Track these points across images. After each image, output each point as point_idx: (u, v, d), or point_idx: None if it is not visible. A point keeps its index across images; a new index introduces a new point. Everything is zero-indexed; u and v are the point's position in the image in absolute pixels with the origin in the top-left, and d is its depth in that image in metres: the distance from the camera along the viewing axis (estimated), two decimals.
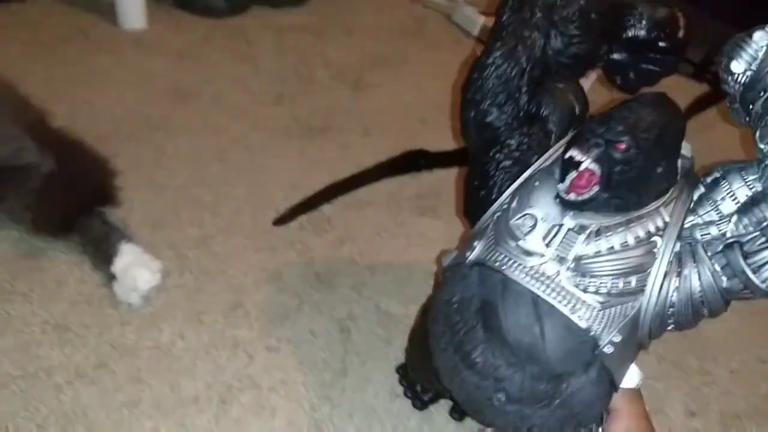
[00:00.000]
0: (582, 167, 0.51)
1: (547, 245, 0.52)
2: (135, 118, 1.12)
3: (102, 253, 0.85)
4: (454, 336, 0.55)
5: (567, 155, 0.53)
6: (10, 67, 1.09)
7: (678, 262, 0.52)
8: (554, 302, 0.51)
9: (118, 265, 0.83)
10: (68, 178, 0.89)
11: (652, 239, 0.52)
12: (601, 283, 0.51)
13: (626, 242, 0.52)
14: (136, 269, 0.82)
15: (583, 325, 0.51)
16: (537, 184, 0.55)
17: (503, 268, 0.53)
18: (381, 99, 1.26)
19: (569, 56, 0.59)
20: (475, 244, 0.56)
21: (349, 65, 1.35)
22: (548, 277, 0.52)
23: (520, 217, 0.54)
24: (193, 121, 1.15)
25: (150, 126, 1.12)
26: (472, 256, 0.56)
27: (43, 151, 0.90)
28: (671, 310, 0.52)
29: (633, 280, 0.51)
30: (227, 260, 0.90)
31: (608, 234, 0.52)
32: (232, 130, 1.14)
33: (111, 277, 0.83)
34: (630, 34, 0.62)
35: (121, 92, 1.18)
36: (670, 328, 0.54)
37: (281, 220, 0.97)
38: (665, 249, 0.52)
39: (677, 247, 0.52)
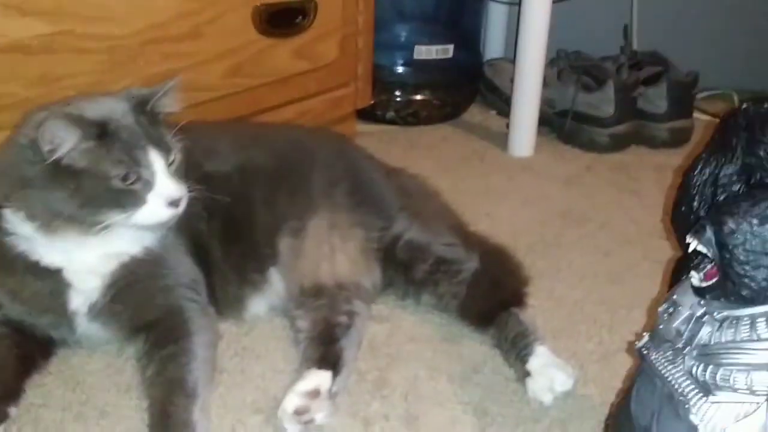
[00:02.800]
0: (690, 248, 0.54)
1: (680, 332, 0.54)
2: (531, 234, 1.20)
3: (517, 351, 0.89)
4: None
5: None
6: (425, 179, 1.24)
7: None
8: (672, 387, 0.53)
9: (534, 364, 0.87)
10: (493, 276, 0.97)
11: None
12: (722, 374, 0.51)
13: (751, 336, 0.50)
14: (553, 370, 0.85)
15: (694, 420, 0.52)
16: None
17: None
18: None
19: None
20: None
21: None
22: (673, 362, 0.54)
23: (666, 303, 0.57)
24: (584, 242, 1.19)
25: (545, 242, 1.18)
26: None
27: (468, 249, 1.00)
28: None
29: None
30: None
31: (733, 324, 0.51)
32: (623, 256, 1.16)
33: (525, 374, 0.87)
34: None
35: (516, 210, 1.28)
36: None
37: None
38: None
39: None
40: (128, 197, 0.80)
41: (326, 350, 0.87)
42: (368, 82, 1.46)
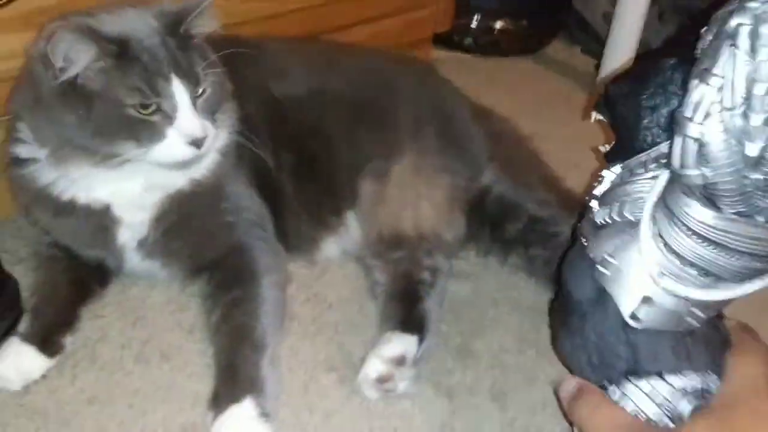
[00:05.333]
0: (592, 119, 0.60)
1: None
2: None
3: None
4: None
5: None
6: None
7: None
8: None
9: None
10: None
11: None
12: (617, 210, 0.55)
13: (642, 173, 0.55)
14: None
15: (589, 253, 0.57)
16: None
17: None
18: None
19: None
20: None
21: None
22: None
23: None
24: None
25: None
26: None
27: (565, 209, 0.90)
28: None
29: None
30: None
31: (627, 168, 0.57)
32: None
33: None
34: None
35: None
36: None
37: None
38: None
39: None
40: (145, 129, 0.70)
41: (410, 311, 0.79)
42: (451, 3, 1.33)
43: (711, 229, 0.48)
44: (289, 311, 0.81)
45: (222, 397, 0.68)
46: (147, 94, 0.69)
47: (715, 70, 0.44)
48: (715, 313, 0.55)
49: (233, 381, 0.70)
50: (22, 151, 0.75)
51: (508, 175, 0.92)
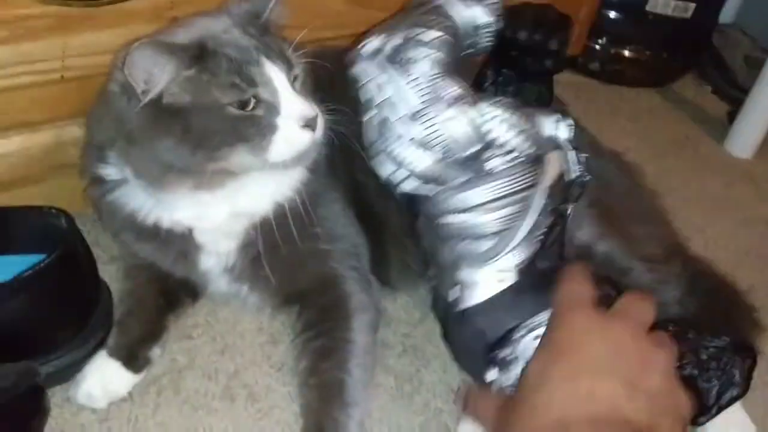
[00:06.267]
0: None
1: None
2: (752, 270, 0.99)
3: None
4: None
5: None
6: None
7: None
8: None
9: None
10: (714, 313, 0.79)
11: None
12: None
13: None
14: (729, 425, 0.71)
15: None
16: None
17: None
18: None
19: None
20: None
21: None
22: None
23: None
24: None
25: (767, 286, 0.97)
26: None
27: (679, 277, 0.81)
28: None
29: None
30: None
31: None
32: None
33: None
34: None
35: (734, 231, 1.06)
36: None
37: None
38: None
39: None
40: (252, 126, 0.63)
41: None
42: (586, 27, 1.23)
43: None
44: (382, 362, 0.75)
45: None
46: (242, 86, 0.62)
47: None
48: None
49: None
50: (111, 173, 0.70)
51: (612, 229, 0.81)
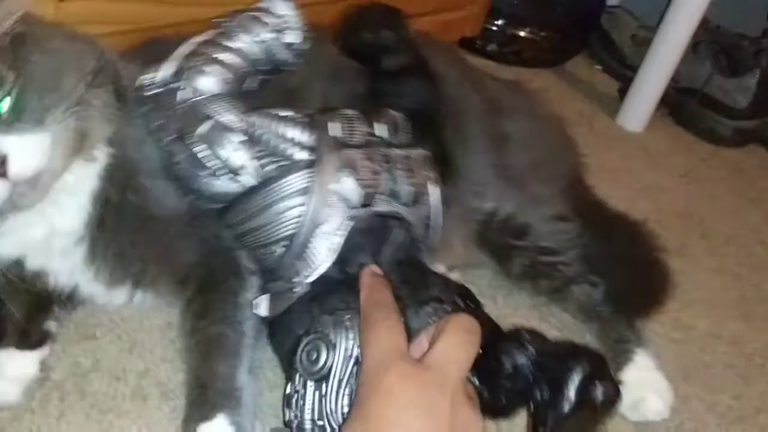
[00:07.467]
0: None
1: None
2: None
3: (615, 354, 0.77)
4: None
5: None
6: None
7: None
8: None
9: (630, 376, 0.75)
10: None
11: None
12: None
13: None
14: (648, 392, 0.73)
15: None
16: None
17: None
18: None
19: None
20: None
21: None
22: None
23: None
24: (709, 258, 1.04)
25: (666, 250, 1.01)
26: None
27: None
28: None
29: None
30: None
31: None
32: (750, 280, 1.01)
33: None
34: None
35: (633, 200, 1.10)
36: None
37: None
38: None
39: None
40: None
41: None
42: (485, 8, 1.24)
43: None
44: None
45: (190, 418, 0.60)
46: None
47: None
48: None
49: (204, 398, 0.60)
50: None
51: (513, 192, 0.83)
